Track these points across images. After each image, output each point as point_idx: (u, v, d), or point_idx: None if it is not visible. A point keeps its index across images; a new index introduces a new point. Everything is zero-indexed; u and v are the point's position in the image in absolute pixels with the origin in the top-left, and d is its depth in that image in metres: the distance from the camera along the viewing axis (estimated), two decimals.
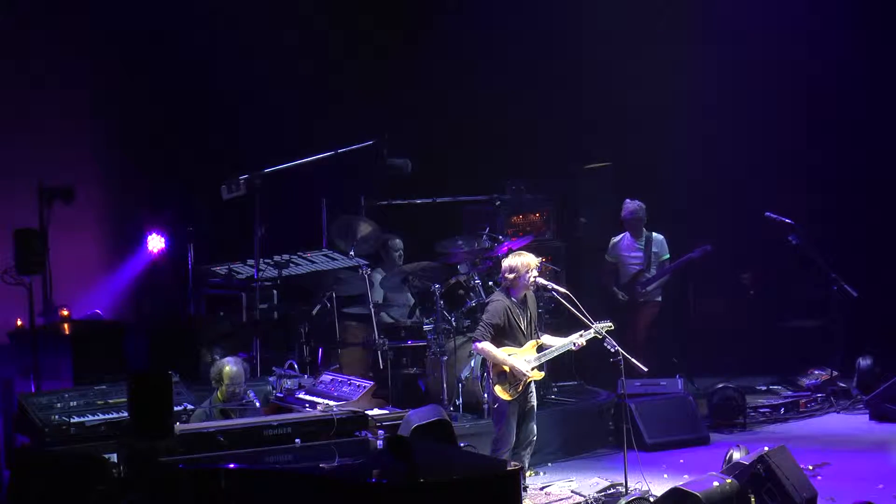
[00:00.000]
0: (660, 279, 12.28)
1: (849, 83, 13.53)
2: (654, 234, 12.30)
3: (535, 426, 9.31)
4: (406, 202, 12.46)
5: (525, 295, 9.29)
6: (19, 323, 10.48)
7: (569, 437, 10.88)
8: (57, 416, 8.18)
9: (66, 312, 10.68)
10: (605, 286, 12.33)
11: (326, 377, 8.97)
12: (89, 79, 12.45)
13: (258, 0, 13.08)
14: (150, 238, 12.55)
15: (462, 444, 8.76)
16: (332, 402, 8.17)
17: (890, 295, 13.14)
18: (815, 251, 12.53)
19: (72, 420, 8.18)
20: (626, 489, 8.89)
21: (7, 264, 9.29)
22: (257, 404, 8.85)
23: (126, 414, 7.40)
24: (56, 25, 12.22)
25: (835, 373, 12.60)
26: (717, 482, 7.98)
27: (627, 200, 12.32)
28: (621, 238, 12.34)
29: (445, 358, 10.42)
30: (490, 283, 10.81)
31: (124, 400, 7.78)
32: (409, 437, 7.44)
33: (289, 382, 9.13)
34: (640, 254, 12.28)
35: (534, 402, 9.33)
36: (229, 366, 8.87)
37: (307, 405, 8.40)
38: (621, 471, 8.95)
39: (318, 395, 8.61)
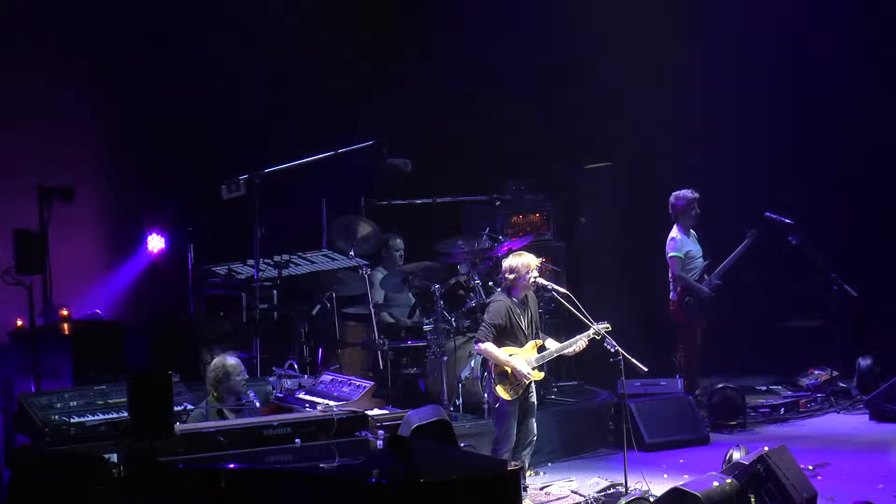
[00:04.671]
0: (728, 268, 12.02)
1: (849, 83, 13.52)
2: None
3: (535, 426, 9.32)
4: (406, 202, 12.45)
5: (526, 295, 9.29)
6: (19, 323, 10.47)
7: (569, 437, 10.88)
8: (57, 416, 8.17)
9: (66, 312, 10.67)
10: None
11: (326, 377, 8.96)
12: (89, 79, 12.44)
13: (258, 0, 13.07)
14: (150, 238, 12.55)
15: (462, 444, 8.76)
16: (332, 402, 8.15)
17: (890, 295, 13.14)
18: (816, 251, 12.53)
19: (72, 420, 8.16)
20: (626, 489, 8.89)
21: (7, 264, 9.28)
22: (257, 404, 8.84)
23: (126, 414, 7.39)
24: (56, 25, 12.20)
25: (835, 373, 12.61)
26: (717, 482, 7.98)
27: (680, 191, 11.87)
28: (679, 233, 11.88)
29: (445, 358, 10.42)
30: (490, 283, 10.82)
31: (124, 400, 7.76)
32: (409, 437, 7.43)
33: (289, 382, 9.11)
34: (699, 247, 11.97)
35: (534, 401, 9.34)
36: (229, 359, 8.81)
37: (307, 405, 8.38)
38: (621, 471, 8.95)
39: (318, 395, 8.59)
